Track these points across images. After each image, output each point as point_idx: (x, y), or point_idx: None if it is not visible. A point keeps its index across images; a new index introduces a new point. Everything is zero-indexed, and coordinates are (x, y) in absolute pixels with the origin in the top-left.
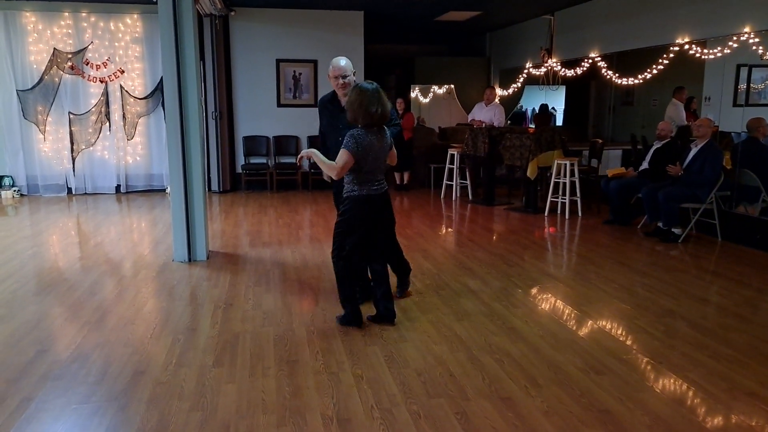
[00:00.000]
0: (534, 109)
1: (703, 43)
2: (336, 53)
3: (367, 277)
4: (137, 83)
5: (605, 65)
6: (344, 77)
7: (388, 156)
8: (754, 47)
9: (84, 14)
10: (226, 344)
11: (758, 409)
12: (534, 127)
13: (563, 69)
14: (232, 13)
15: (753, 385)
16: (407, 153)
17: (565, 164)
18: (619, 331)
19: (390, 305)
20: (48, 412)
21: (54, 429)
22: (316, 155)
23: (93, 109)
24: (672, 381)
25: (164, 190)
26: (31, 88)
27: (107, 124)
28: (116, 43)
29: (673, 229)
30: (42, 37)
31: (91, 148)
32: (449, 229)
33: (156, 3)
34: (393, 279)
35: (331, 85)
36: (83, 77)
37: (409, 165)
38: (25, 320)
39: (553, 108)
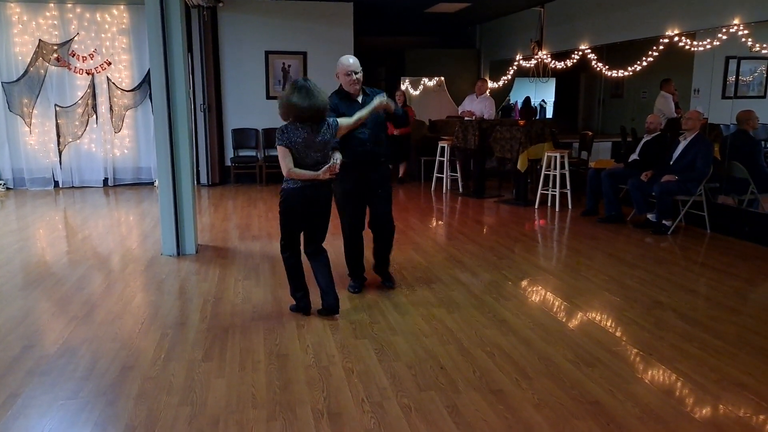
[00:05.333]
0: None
1: (692, 36)
2: (326, 45)
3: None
4: (124, 75)
5: (595, 57)
6: (356, 74)
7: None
8: (743, 39)
9: (70, 5)
10: (216, 338)
11: (747, 399)
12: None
13: (553, 61)
14: (220, 5)
15: (742, 375)
16: (406, 145)
17: (556, 156)
18: (609, 323)
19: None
20: (35, 408)
21: (41, 425)
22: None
23: (80, 102)
24: (662, 372)
25: (152, 184)
26: (17, 80)
27: (94, 116)
28: (102, 35)
29: (663, 221)
30: (27, 29)
31: (78, 141)
32: (440, 222)
33: None
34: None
35: (343, 82)
36: (69, 69)
37: (407, 157)
38: (11, 315)
39: (543, 100)
